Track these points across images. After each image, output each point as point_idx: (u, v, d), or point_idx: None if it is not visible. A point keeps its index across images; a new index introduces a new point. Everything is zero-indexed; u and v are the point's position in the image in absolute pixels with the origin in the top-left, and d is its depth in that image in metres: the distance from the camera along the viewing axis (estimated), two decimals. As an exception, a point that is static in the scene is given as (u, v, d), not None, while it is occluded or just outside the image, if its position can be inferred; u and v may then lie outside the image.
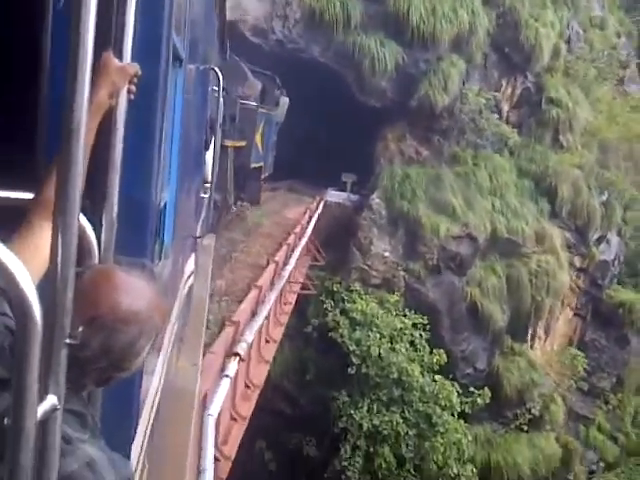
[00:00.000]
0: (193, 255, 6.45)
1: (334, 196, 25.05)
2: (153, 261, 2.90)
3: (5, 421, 1.41)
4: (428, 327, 21.16)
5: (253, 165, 18.65)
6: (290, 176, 27.31)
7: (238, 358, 7.04)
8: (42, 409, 1.42)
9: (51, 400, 1.45)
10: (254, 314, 10.39)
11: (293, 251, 15.43)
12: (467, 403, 20.78)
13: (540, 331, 25.91)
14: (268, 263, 13.58)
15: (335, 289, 21.55)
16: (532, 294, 23.49)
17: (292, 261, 14.42)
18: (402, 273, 22.08)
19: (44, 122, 2.23)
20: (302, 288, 17.70)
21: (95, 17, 1.50)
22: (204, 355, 6.86)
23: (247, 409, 9.89)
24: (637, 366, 28.03)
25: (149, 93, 2.40)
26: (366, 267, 22.00)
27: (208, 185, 7.54)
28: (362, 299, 21.22)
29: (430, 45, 22.59)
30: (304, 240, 16.94)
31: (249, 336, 7.95)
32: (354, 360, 19.72)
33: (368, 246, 22.10)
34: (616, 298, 27.71)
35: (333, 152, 25.85)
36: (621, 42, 32.65)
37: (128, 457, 2.56)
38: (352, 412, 19.66)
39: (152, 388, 3.43)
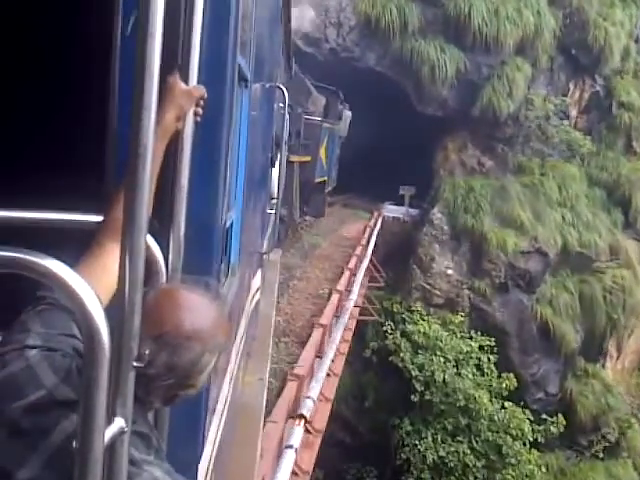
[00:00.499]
0: (260, 271, 6.46)
1: (392, 211, 23.90)
2: (219, 280, 2.87)
3: (73, 444, 1.39)
4: (495, 349, 19.84)
5: (317, 179, 18.85)
6: (345, 190, 26.14)
7: (303, 421, 5.97)
8: (110, 432, 1.43)
9: (119, 423, 1.47)
10: (318, 357, 9.34)
11: (355, 276, 14.29)
12: (540, 432, 19.32)
13: (612, 349, 24.22)
14: (330, 294, 12.48)
15: (395, 310, 20.38)
16: (607, 312, 21.89)
17: (355, 289, 13.29)
18: (467, 292, 20.78)
19: (113, 146, 2.24)
20: (361, 312, 16.49)
21: (161, 41, 1.53)
22: (264, 424, 6.09)
23: (309, 460, 8.75)
24: None
25: (215, 115, 2.37)
26: (428, 286, 20.75)
27: (274, 201, 7.76)
28: (424, 320, 20.00)
29: (493, 49, 21.30)
30: (365, 262, 15.79)
31: (315, 391, 6.88)
32: (417, 386, 18.47)
33: (429, 263, 20.85)
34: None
35: (390, 164, 24.69)
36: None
37: (195, 477, 2.59)
38: (416, 442, 18.43)
39: (219, 404, 3.36)
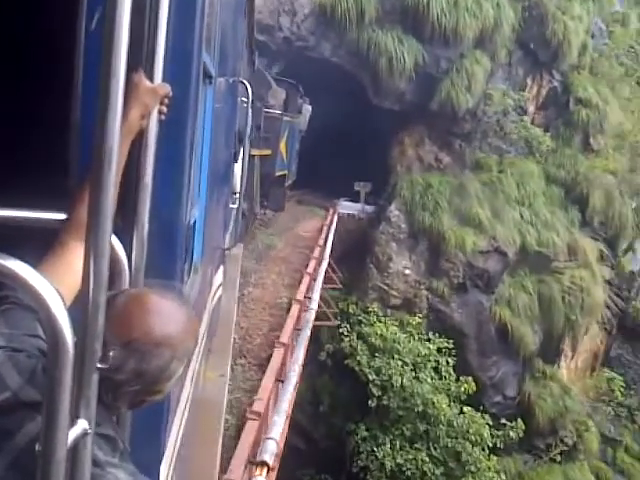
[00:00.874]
0: (222, 267, 6.44)
1: (347, 207, 23.08)
2: (182, 279, 2.83)
3: (37, 446, 1.39)
4: (453, 352, 19.21)
5: (278, 173, 18.85)
6: (299, 186, 25.18)
7: (266, 469, 5.08)
8: (73, 434, 1.43)
9: (82, 424, 1.46)
10: (280, 381, 8.38)
11: (314, 281, 13.36)
12: (499, 437, 18.75)
13: (567, 349, 23.80)
14: (290, 304, 11.53)
15: (351, 311, 19.59)
16: (565, 312, 21.43)
17: (315, 296, 12.36)
18: (424, 292, 20.07)
19: (77, 143, 2.19)
20: (318, 316, 15.55)
21: (127, 38, 1.51)
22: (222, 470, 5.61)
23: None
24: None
25: (180, 114, 2.36)
26: (385, 286, 19.99)
27: (236, 196, 7.69)
28: (381, 322, 19.26)
29: (452, 41, 20.58)
30: (324, 265, 14.90)
31: (277, 428, 5.93)
32: (374, 391, 17.72)
33: (386, 263, 20.09)
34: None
35: (345, 159, 23.86)
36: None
37: (157, 477, 2.58)
38: (373, 448, 17.69)
39: (181, 401, 3.29)
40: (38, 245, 1.81)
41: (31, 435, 1.52)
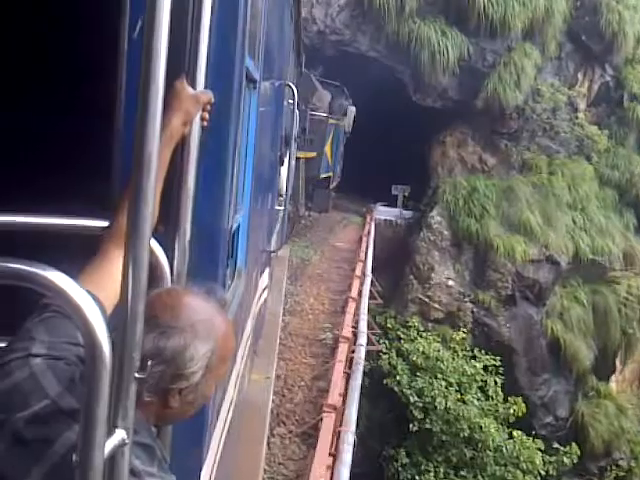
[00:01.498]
0: (267, 269, 6.40)
1: (383, 213, 21.60)
2: (225, 284, 2.89)
3: (74, 456, 1.38)
4: (501, 369, 17.74)
5: (322, 175, 18.77)
6: (334, 189, 23.79)
7: None
8: (111, 444, 1.42)
9: (120, 434, 1.45)
10: (332, 455, 6.83)
11: (359, 309, 11.86)
12: (551, 463, 17.22)
13: (617, 362, 22.12)
14: (335, 342, 10.09)
15: (389, 325, 18.16)
16: (621, 326, 19.80)
17: (363, 327, 10.87)
18: (469, 305, 18.57)
19: (120, 151, 2.23)
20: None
21: (167, 44, 1.50)
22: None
23: None
24: None
25: (222, 120, 2.39)
26: (426, 298, 18.53)
27: (283, 198, 7.78)
28: (422, 337, 17.81)
29: (500, 33, 19.02)
30: (367, 285, 13.41)
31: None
32: (416, 414, 16.24)
33: (428, 273, 18.62)
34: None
35: (383, 160, 22.44)
36: None
37: None
38: (415, 477, 16.26)
39: (225, 403, 3.25)
40: (80, 252, 1.84)
41: (69, 444, 1.49)
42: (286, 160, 7.81)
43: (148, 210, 1.46)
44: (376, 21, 18.55)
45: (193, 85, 1.93)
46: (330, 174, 20.12)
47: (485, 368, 17.70)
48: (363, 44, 19.02)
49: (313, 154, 16.38)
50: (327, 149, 18.40)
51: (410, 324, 18.19)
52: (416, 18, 18.70)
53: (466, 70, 19.21)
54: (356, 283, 13.20)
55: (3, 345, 1.75)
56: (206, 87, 1.99)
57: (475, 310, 18.55)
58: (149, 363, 1.59)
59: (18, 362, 1.64)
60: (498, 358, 17.78)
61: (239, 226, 3.42)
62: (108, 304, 1.65)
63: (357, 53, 19.17)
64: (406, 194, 22.16)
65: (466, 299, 18.60)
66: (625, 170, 21.95)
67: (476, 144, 20.92)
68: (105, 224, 1.92)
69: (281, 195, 7.80)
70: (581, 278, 19.85)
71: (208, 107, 1.98)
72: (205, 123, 2.00)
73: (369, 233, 17.93)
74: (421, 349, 17.15)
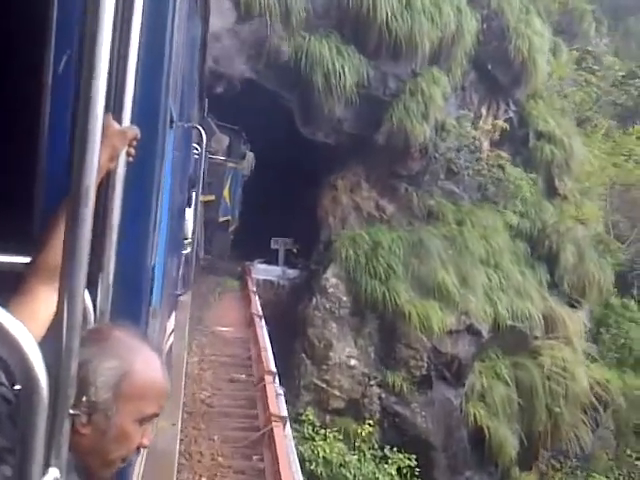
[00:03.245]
0: (174, 312, 6.39)
1: (262, 272, 17.61)
2: (148, 323, 2.82)
3: None
4: (417, 470, 14.12)
5: (222, 219, 18.02)
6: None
7: None
8: None
9: (53, 473, 1.39)
10: None
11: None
12: None
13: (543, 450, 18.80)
14: None
15: (276, 420, 14.02)
16: (547, 404, 16.68)
17: None
18: (376, 390, 14.82)
19: (42, 186, 2.10)
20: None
21: (104, 83, 1.46)
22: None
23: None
24: None
25: (147, 156, 2.33)
26: (323, 384, 14.59)
27: (188, 241, 7.68)
28: (319, 434, 13.87)
29: (405, 55, 15.65)
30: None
31: None
32: None
33: (324, 351, 14.74)
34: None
35: (261, 208, 18.58)
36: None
37: None
38: None
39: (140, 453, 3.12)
40: (1, 289, 1.70)
41: None
42: (192, 203, 7.69)
43: (85, 244, 1.42)
44: (255, 33, 14.68)
45: (119, 121, 1.87)
46: (229, 218, 19.16)
47: (399, 470, 14.01)
48: (239, 63, 15.06)
49: (212, 197, 15.66)
50: (226, 193, 17.60)
51: (303, 418, 14.20)
52: (305, 33, 15.01)
53: (364, 98, 15.68)
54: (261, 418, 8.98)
55: None
56: (132, 124, 1.92)
57: (383, 396, 14.79)
58: (83, 399, 1.55)
59: None
60: (414, 457, 14.17)
61: (155, 265, 3.17)
62: None
63: (231, 74, 15.19)
64: (289, 247, 18.30)
65: (372, 382, 14.82)
66: (536, 218, 19.17)
67: (371, 188, 17.48)
68: (27, 260, 1.84)
69: (186, 238, 7.65)
70: (500, 349, 16.63)
71: (134, 143, 1.93)
72: (131, 159, 1.95)
73: (258, 311, 13.74)
74: (322, 454, 13.22)
